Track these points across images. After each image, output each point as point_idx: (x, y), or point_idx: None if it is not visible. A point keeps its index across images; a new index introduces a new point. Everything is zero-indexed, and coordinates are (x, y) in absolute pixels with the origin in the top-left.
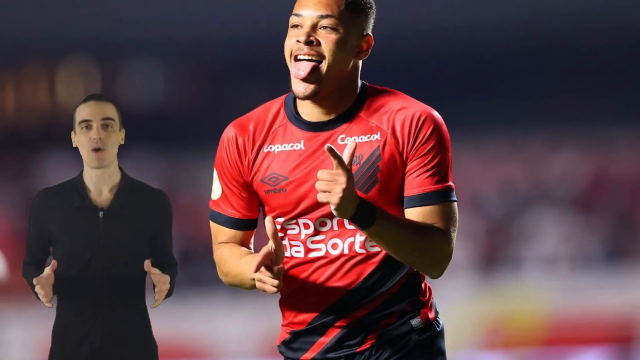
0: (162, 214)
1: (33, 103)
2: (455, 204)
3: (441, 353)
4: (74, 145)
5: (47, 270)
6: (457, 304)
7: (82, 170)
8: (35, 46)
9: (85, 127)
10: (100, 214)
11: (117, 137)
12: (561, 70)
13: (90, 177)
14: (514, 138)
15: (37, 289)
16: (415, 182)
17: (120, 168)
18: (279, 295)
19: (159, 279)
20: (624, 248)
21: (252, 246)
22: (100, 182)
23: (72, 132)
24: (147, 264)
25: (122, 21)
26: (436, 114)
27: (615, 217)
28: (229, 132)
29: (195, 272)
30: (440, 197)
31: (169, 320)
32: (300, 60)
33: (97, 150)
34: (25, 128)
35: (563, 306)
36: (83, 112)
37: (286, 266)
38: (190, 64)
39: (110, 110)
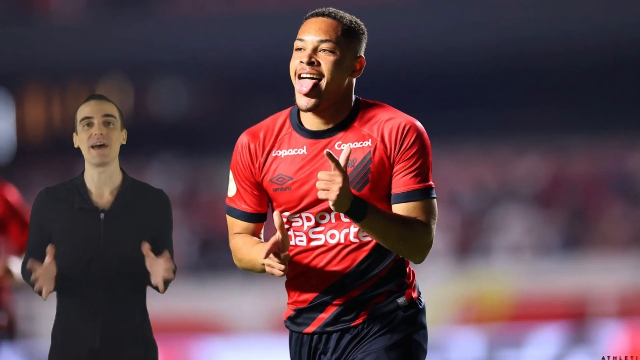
0: (162, 214)
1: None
2: (435, 200)
3: (423, 327)
4: (75, 146)
5: (47, 260)
6: (437, 285)
7: (83, 171)
8: (77, 67)
9: (86, 124)
10: (101, 215)
11: (119, 135)
12: (525, 86)
13: (91, 177)
14: (485, 144)
15: (36, 279)
16: (401, 181)
17: (121, 169)
18: (285, 278)
19: (151, 262)
20: (578, 238)
21: (262, 236)
22: (101, 182)
23: (74, 133)
24: (145, 248)
25: (151, 45)
26: (419, 123)
27: (571, 212)
28: (243, 139)
29: (214, 258)
30: (422, 195)
31: (191, 299)
32: (303, 78)
33: (99, 146)
34: (70, 136)
35: (526, 287)
36: (84, 110)
37: (291, 253)
38: (209, 81)
39: (111, 108)
